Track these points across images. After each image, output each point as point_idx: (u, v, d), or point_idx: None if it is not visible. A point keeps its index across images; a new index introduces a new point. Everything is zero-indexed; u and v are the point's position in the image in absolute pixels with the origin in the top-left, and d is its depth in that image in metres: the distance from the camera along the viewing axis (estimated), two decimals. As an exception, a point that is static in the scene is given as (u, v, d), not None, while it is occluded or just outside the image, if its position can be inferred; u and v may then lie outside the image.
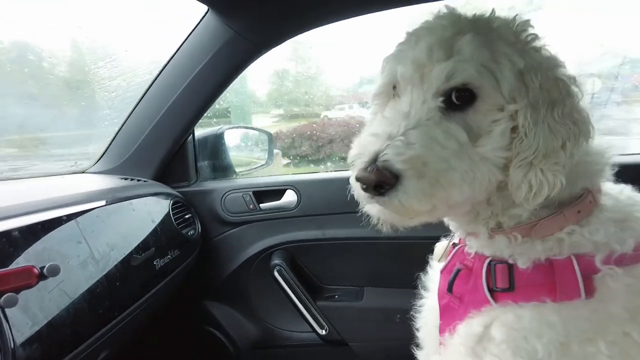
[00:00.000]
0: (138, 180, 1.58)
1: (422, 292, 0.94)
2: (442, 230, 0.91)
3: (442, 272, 0.87)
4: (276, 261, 1.69)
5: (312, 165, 3.34)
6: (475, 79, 0.65)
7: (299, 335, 1.77)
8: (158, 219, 1.45)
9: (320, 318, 1.67)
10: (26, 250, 0.89)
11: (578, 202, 0.72)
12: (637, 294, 0.64)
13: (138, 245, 1.27)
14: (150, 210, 1.44)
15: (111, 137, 1.66)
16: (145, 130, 1.62)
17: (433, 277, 0.92)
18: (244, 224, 1.77)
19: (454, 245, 0.88)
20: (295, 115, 3.70)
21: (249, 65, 1.57)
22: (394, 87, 0.76)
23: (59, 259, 0.95)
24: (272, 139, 2.16)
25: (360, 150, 0.66)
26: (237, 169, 2.04)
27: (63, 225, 1.04)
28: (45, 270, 0.86)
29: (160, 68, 1.56)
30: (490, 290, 0.73)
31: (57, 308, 0.92)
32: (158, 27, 1.93)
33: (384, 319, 1.60)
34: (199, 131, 1.86)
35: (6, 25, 1.64)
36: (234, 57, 1.53)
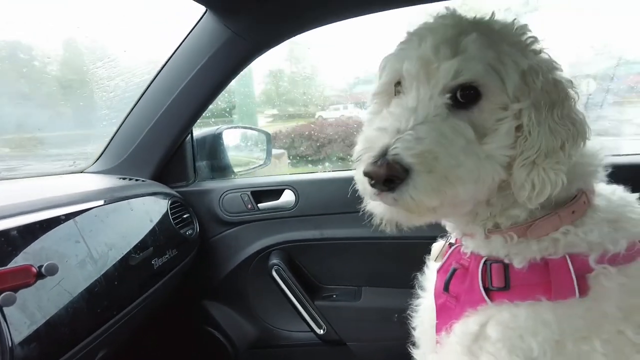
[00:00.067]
0: (136, 180, 1.58)
1: (419, 291, 0.95)
2: (439, 231, 0.91)
3: (438, 271, 0.88)
4: (274, 261, 1.69)
5: (310, 166, 3.34)
6: (482, 77, 0.66)
7: (297, 334, 1.77)
8: (156, 218, 1.45)
9: (318, 318, 1.67)
10: (24, 250, 0.90)
11: (572, 202, 0.73)
12: (630, 293, 0.65)
13: (136, 244, 1.27)
14: (149, 209, 1.44)
15: (109, 137, 1.66)
16: (143, 130, 1.62)
17: (429, 276, 0.93)
18: (242, 223, 1.77)
19: (451, 245, 0.88)
20: (290, 115, 3.70)
21: (247, 65, 1.57)
22: (396, 86, 0.76)
23: (57, 258, 0.95)
24: (270, 139, 2.16)
25: (368, 145, 0.66)
26: (236, 169, 2.04)
27: (61, 225, 1.04)
28: (43, 269, 0.86)
29: (159, 68, 1.57)
30: (486, 290, 0.74)
31: (55, 307, 0.92)
32: (156, 28, 1.94)
33: (382, 318, 1.61)
34: (197, 131, 1.86)
35: (2, 24, 1.64)
36: (232, 58, 1.53)
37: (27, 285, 0.84)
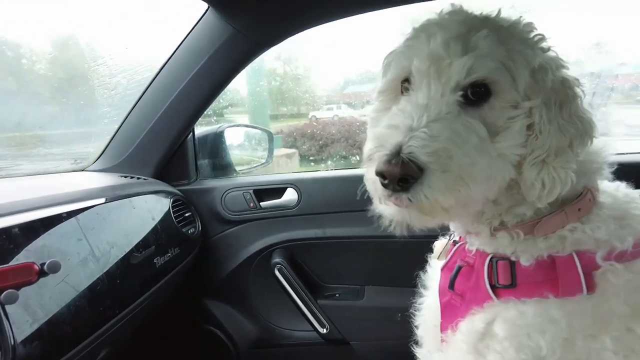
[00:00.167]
0: (138, 178, 1.58)
1: (422, 290, 0.94)
2: (441, 229, 0.90)
3: (442, 269, 0.87)
4: (277, 260, 1.69)
5: (312, 164, 3.34)
6: (494, 74, 0.66)
7: (300, 334, 1.76)
8: (158, 217, 1.44)
9: (321, 317, 1.66)
10: (26, 248, 0.89)
11: (578, 200, 0.73)
12: (637, 290, 0.65)
13: (138, 243, 1.26)
14: (151, 208, 1.43)
15: (111, 135, 1.65)
16: (145, 128, 1.62)
17: (432, 275, 0.92)
18: (244, 222, 1.77)
19: (455, 242, 0.88)
20: (282, 115, 3.69)
21: (249, 63, 1.57)
22: (402, 83, 0.75)
23: (60, 256, 0.95)
24: (272, 137, 2.15)
25: (380, 143, 0.64)
26: (238, 167, 2.03)
27: (63, 223, 1.03)
28: (45, 266, 0.86)
29: (160, 66, 1.56)
30: (493, 287, 0.73)
31: (57, 305, 0.91)
32: (158, 25, 1.93)
33: (385, 317, 1.60)
34: (199, 129, 1.85)
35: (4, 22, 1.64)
36: (234, 56, 1.52)
37: (30, 283, 0.84)
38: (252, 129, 2.37)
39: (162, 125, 1.61)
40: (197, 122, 1.71)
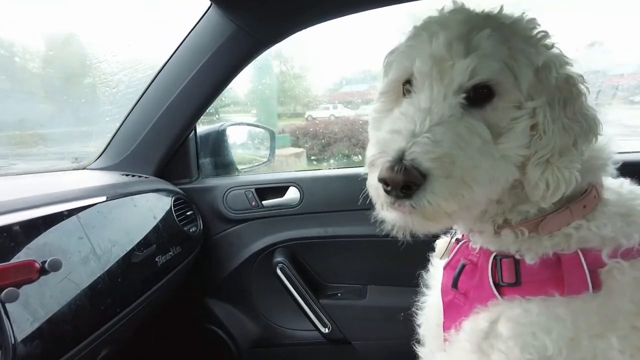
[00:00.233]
0: (139, 176, 1.57)
1: (424, 289, 0.94)
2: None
3: (445, 268, 0.86)
4: (278, 259, 1.68)
5: (315, 164, 3.33)
6: (498, 75, 0.65)
7: (301, 333, 1.76)
8: (160, 215, 1.43)
9: (322, 316, 1.66)
10: (27, 245, 0.88)
11: (583, 197, 0.72)
12: None
13: (140, 241, 1.25)
14: (152, 206, 1.42)
15: (112, 133, 1.65)
16: (146, 126, 1.61)
17: (435, 274, 0.92)
18: (246, 221, 1.76)
19: (458, 240, 0.87)
20: (279, 114, 3.68)
21: (252, 60, 1.56)
22: (404, 84, 0.74)
23: (60, 254, 0.94)
24: (274, 136, 2.14)
25: (382, 149, 0.63)
26: (239, 166, 2.02)
27: (64, 221, 1.02)
28: (46, 264, 0.85)
29: (162, 63, 1.55)
30: (496, 285, 0.73)
31: (58, 304, 0.90)
32: (160, 22, 1.92)
33: (387, 317, 1.59)
34: (201, 127, 1.85)
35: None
36: (236, 53, 1.51)
37: (30, 281, 0.83)
38: (254, 128, 2.36)
39: (163, 123, 1.60)
40: (198, 121, 1.70)
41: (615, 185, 0.77)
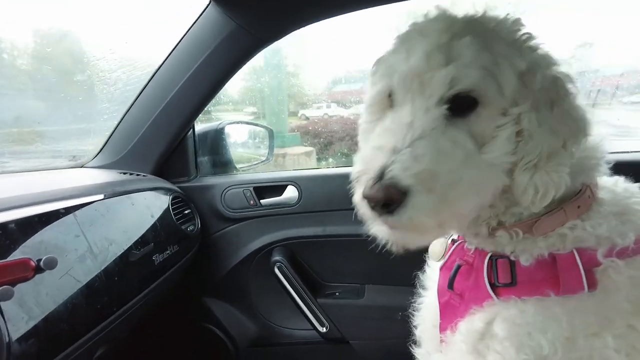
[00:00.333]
0: (137, 174, 1.56)
1: (420, 290, 0.93)
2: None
3: (441, 269, 0.86)
4: (277, 258, 1.67)
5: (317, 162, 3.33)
6: (479, 84, 0.64)
7: (299, 332, 1.75)
8: (157, 214, 1.43)
9: (320, 315, 1.65)
10: (23, 244, 0.87)
11: (577, 197, 0.72)
12: (639, 286, 0.64)
13: (137, 240, 1.25)
14: (150, 205, 1.42)
15: (110, 131, 1.64)
16: (144, 124, 1.60)
17: (431, 275, 0.92)
18: (244, 220, 1.75)
19: (453, 241, 0.86)
20: (273, 112, 3.66)
21: (251, 58, 1.55)
22: (390, 96, 0.73)
23: (57, 252, 0.93)
24: (273, 135, 2.14)
25: (365, 166, 0.63)
26: (238, 165, 2.01)
27: (61, 219, 1.01)
28: (42, 263, 0.84)
29: (161, 61, 1.54)
30: (492, 285, 0.72)
31: (54, 302, 0.89)
32: (158, 19, 1.91)
33: (385, 316, 1.59)
34: (199, 126, 1.84)
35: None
36: (236, 50, 1.51)
37: (26, 279, 0.82)
38: (252, 126, 2.35)
39: (162, 121, 1.60)
40: (197, 119, 1.69)
41: (610, 184, 0.77)
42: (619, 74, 2.45)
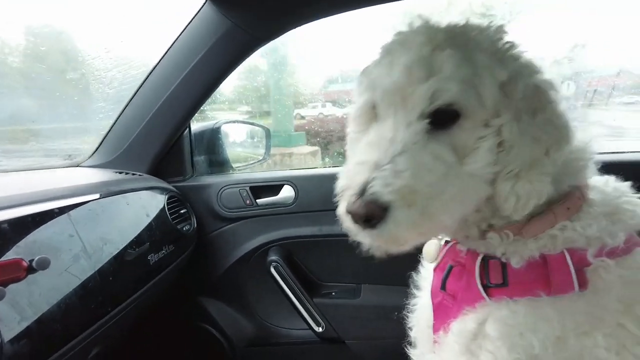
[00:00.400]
0: (133, 174, 1.56)
1: (415, 291, 0.94)
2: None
3: (435, 270, 0.86)
4: (273, 257, 1.67)
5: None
6: (459, 97, 0.64)
7: (296, 332, 1.75)
8: (153, 213, 1.42)
9: (316, 315, 1.65)
10: (16, 244, 0.87)
11: (566, 199, 0.72)
12: (630, 285, 0.65)
13: (132, 239, 1.24)
14: (145, 204, 1.41)
15: (106, 131, 1.63)
16: (140, 123, 1.59)
17: (425, 275, 0.92)
18: (240, 219, 1.75)
19: (447, 242, 0.87)
20: (265, 112, 3.65)
21: (247, 57, 1.54)
22: (373, 109, 0.74)
23: (50, 252, 0.93)
24: (270, 134, 2.13)
25: (348, 182, 0.65)
26: (235, 164, 2.01)
27: (55, 219, 1.01)
28: (34, 263, 0.84)
29: (157, 60, 1.53)
30: (484, 286, 0.73)
31: (47, 303, 0.89)
32: (154, 18, 1.90)
33: (381, 316, 1.59)
34: (195, 125, 1.83)
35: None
36: (231, 50, 1.50)
37: (18, 279, 0.82)
38: (249, 126, 2.34)
39: (157, 120, 1.59)
40: (193, 118, 1.69)
41: (601, 184, 0.78)
42: (614, 74, 2.46)
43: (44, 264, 0.85)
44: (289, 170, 1.90)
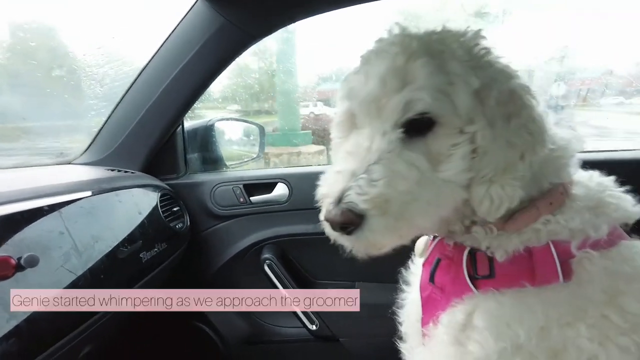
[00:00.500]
0: (125, 171, 1.54)
1: (404, 286, 0.95)
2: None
3: (424, 264, 0.88)
4: (266, 255, 1.67)
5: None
6: (433, 106, 0.66)
7: (289, 330, 1.75)
8: (145, 211, 1.41)
9: (310, 313, 1.65)
10: (5, 241, 0.86)
11: (549, 194, 0.74)
12: (613, 276, 0.66)
13: (124, 237, 1.23)
14: (138, 202, 1.40)
15: (98, 128, 1.62)
16: (133, 121, 1.58)
17: (415, 271, 0.94)
18: (233, 217, 1.74)
19: (434, 237, 0.88)
20: (256, 111, 3.64)
21: (240, 54, 1.53)
22: (354, 115, 0.76)
23: (40, 250, 0.92)
24: (263, 131, 2.12)
25: (327, 190, 0.67)
26: (228, 162, 2.00)
27: (45, 216, 1.00)
28: (22, 260, 0.83)
29: (149, 57, 1.52)
30: (472, 278, 0.74)
31: (36, 301, 0.88)
32: (147, 14, 1.89)
33: (375, 314, 1.58)
34: (188, 122, 1.82)
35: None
36: (225, 46, 1.49)
37: (5, 277, 0.81)
38: (243, 123, 2.33)
39: (150, 117, 1.58)
40: (186, 115, 1.68)
41: (585, 180, 0.79)
42: (601, 74, 2.49)
43: (32, 262, 0.84)
44: (283, 167, 1.90)
